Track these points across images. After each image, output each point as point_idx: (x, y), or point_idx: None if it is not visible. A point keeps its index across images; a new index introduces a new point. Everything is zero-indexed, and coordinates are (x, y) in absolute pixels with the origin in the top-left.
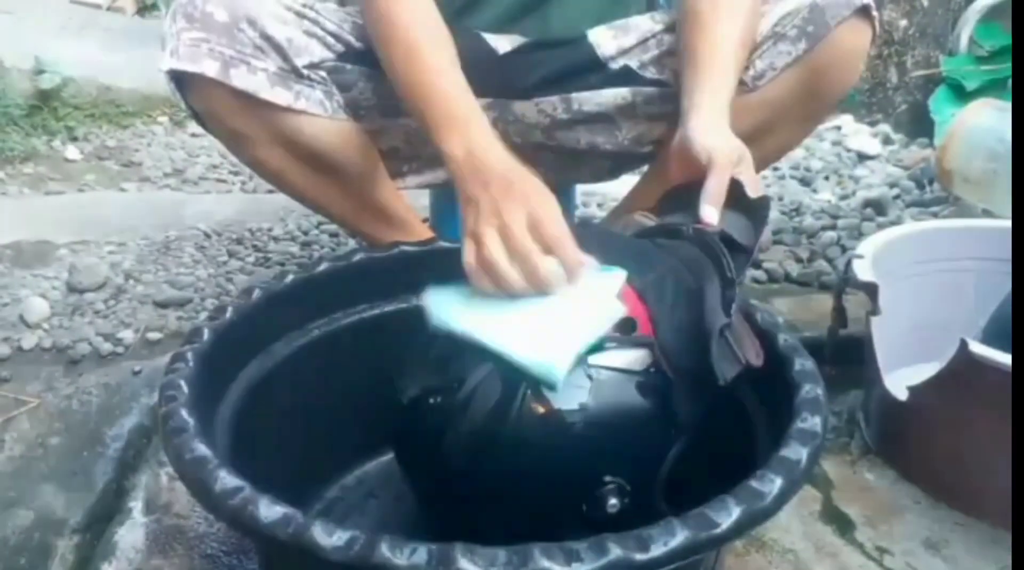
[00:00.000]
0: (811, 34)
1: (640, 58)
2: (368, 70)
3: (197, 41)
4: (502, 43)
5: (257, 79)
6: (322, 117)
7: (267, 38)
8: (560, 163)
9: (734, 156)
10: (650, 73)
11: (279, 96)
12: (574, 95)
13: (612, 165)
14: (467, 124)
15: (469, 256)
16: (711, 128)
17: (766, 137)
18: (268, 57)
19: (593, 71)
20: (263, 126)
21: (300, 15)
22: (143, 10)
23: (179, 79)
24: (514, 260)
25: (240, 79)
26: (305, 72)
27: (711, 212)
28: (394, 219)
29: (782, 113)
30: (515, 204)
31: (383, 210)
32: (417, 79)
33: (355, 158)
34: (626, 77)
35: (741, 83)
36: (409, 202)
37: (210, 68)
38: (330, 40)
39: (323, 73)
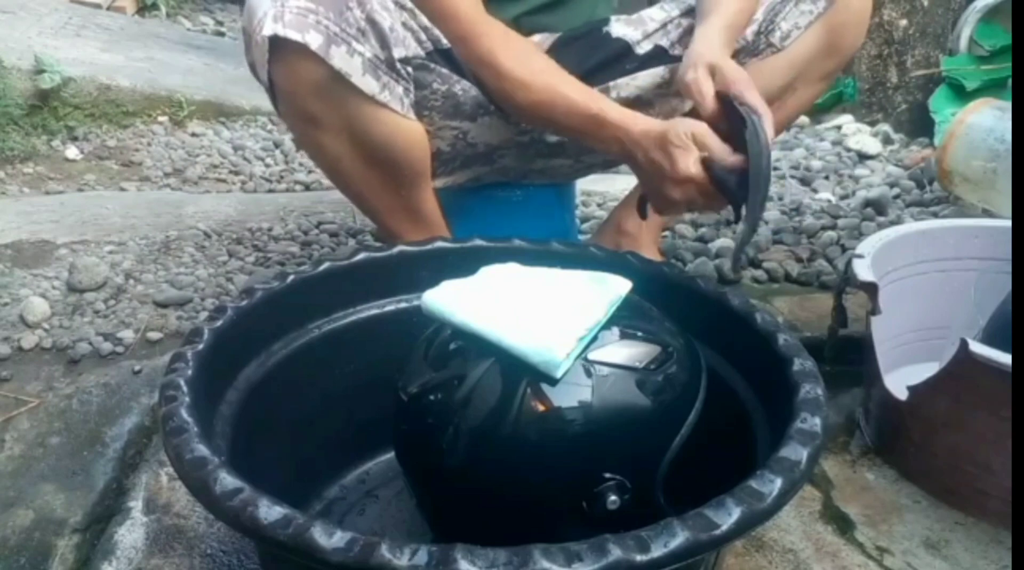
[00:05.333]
0: None
1: (668, 38)
2: (448, 72)
3: (305, 11)
4: (537, 44)
5: (353, 62)
6: (397, 114)
7: (372, 22)
8: (581, 147)
9: (701, 70)
10: (678, 51)
11: (368, 84)
12: (612, 84)
13: None
14: (604, 121)
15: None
16: (697, 58)
17: (787, 97)
18: (367, 42)
19: (626, 58)
20: (339, 111)
21: (399, 5)
22: (143, 10)
23: (275, 48)
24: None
25: (339, 59)
26: (397, 66)
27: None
28: (425, 219)
29: (803, 72)
30: (674, 185)
31: (418, 210)
32: (544, 98)
33: (414, 159)
34: (660, 57)
35: (770, 45)
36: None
37: (314, 41)
38: (423, 36)
39: (409, 69)
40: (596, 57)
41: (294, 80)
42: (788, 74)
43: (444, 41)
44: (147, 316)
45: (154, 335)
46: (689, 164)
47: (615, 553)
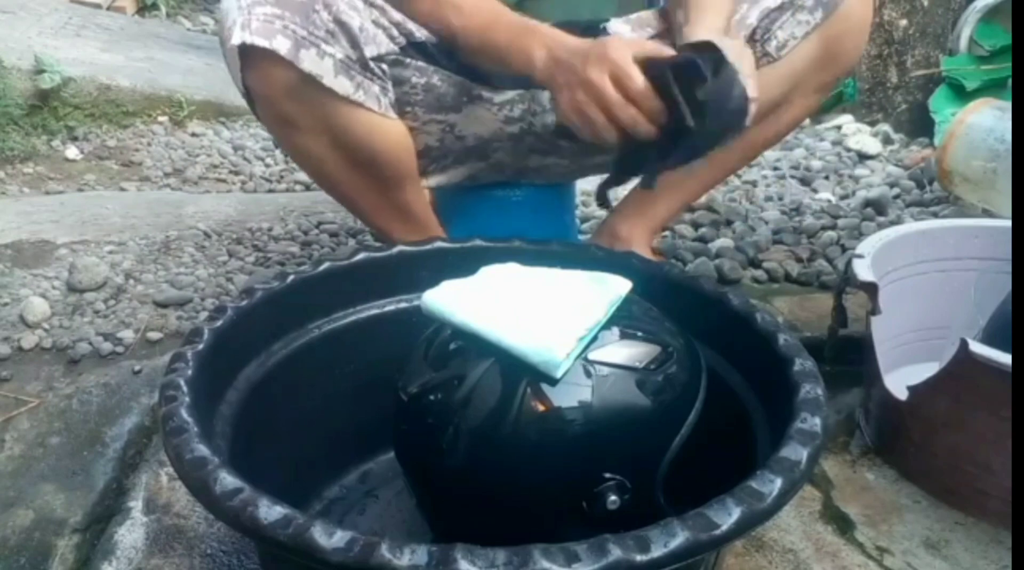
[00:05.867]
0: (826, 3)
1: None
2: (424, 64)
3: (271, 17)
4: None
5: (324, 64)
6: (375, 113)
7: (340, 23)
8: (577, 149)
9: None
10: None
11: (341, 85)
12: None
13: None
14: (536, 30)
15: (563, 104)
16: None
17: (782, 109)
18: (338, 43)
19: None
20: (315, 114)
21: (369, 3)
22: (143, 10)
23: (245, 55)
24: (601, 109)
25: (309, 62)
26: (371, 64)
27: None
28: (415, 218)
29: (799, 84)
30: (596, 67)
31: (407, 209)
32: (480, 20)
33: (397, 157)
34: None
35: (766, 55)
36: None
37: (282, 46)
38: (394, 32)
39: (384, 66)
40: None
41: (267, 86)
42: (784, 85)
43: (418, 34)
44: (147, 316)
45: (154, 335)
46: (622, 50)
47: (615, 553)
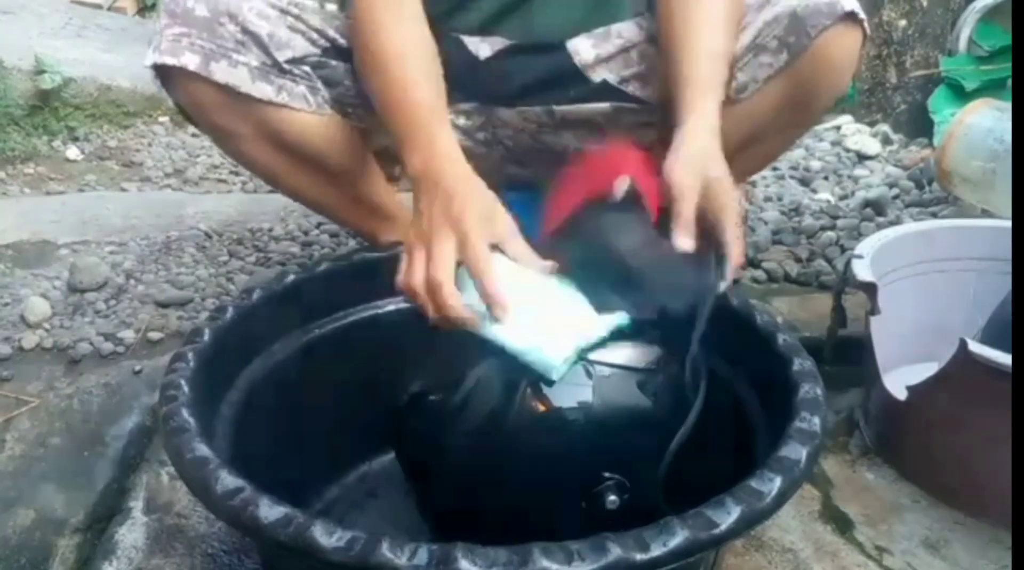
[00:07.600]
0: (792, 44)
1: (620, 72)
2: (352, 67)
3: (178, 36)
4: (483, 48)
5: (238, 73)
6: (305, 111)
7: (248, 33)
8: (554, 162)
9: (695, 190)
10: (632, 88)
11: (260, 90)
12: (555, 107)
13: None
14: (430, 140)
15: (400, 274)
16: (691, 161)
17: (753, 146)
18: (250, 51)
19: (573, 81)
20: (247, 121)
21: (284, 12)
22: (143, 10)
23: (164, 75)
24: (428, 291)
25: (221, 73)
26: (287, 67)
27: (685, 242)
28: (384, 211)
29: (767, 124)
30: (446, 228)
31: (377, 206)
32: (387, 93)
33: (340, 152)
34: (606, 92)
35: (725, 97)
36: (401, 199)
37: (191, 62)
38: (314, 36)
39: (306, 68)
40: (542, 70)
41: (192, 101)
42: (746, 127)
43: (341, 40)
44: (148, 316)
45: (155, 335)
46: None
47: (615, 552)
